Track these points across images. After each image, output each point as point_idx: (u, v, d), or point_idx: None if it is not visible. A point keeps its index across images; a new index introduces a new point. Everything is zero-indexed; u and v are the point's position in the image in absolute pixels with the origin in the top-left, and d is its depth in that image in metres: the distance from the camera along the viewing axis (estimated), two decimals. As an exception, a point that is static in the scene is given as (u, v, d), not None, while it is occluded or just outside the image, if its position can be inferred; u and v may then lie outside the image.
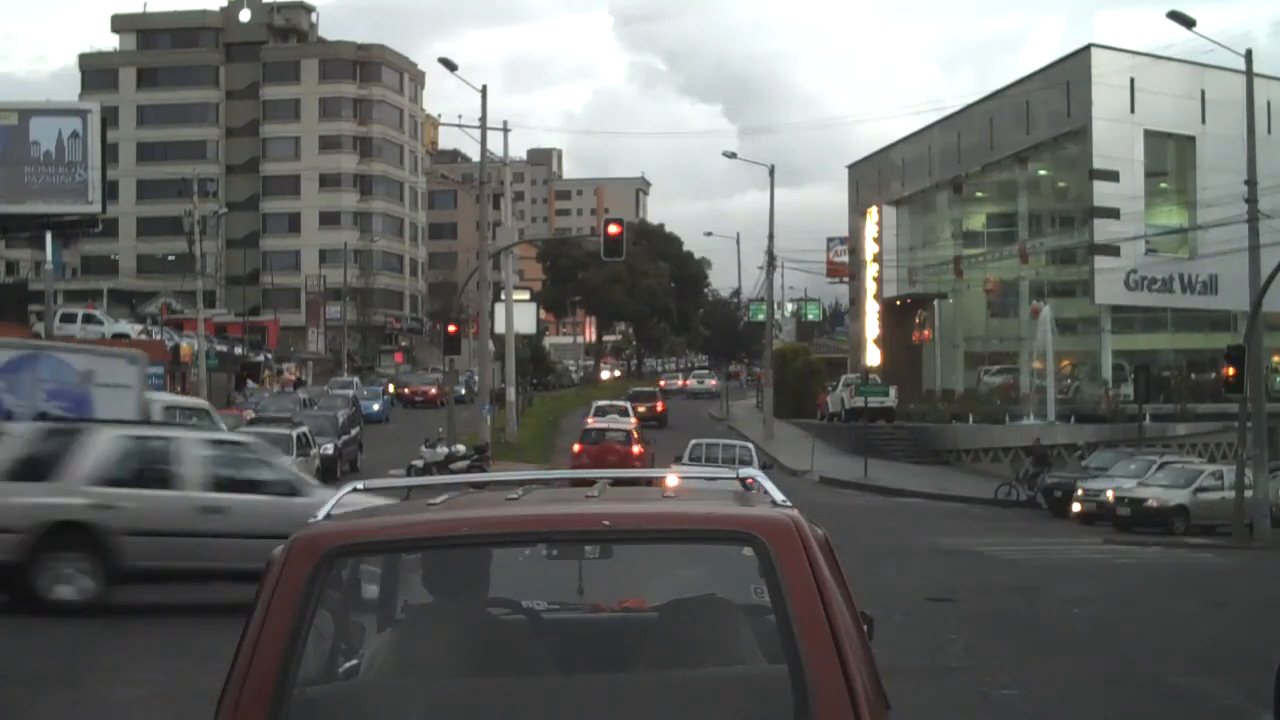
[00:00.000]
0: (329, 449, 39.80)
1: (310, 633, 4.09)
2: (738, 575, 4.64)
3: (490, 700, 4.18)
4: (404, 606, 4.88)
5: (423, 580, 4.90)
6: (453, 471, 40.91)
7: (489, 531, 4.53)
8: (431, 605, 4.84)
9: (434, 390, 75.72)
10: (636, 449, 41.30)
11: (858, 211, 77.72)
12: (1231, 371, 32.18)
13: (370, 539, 4.45)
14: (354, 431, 45.81)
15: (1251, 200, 35.51)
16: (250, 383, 71.93)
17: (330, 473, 39.17)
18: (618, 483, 5.40)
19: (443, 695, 4.24)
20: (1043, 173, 62.71)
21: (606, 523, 4.34)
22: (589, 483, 5.06)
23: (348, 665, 4.66)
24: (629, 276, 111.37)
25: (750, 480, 4.85)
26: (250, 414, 45.44)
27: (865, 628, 4.83)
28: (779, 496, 4.62)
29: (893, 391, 60.63)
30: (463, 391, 72.56)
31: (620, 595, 5.11)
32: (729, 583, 4.73)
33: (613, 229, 41.56)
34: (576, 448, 42.09)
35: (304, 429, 37.22)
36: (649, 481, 6.44)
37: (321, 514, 4.52)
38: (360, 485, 4.95)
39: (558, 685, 4.37)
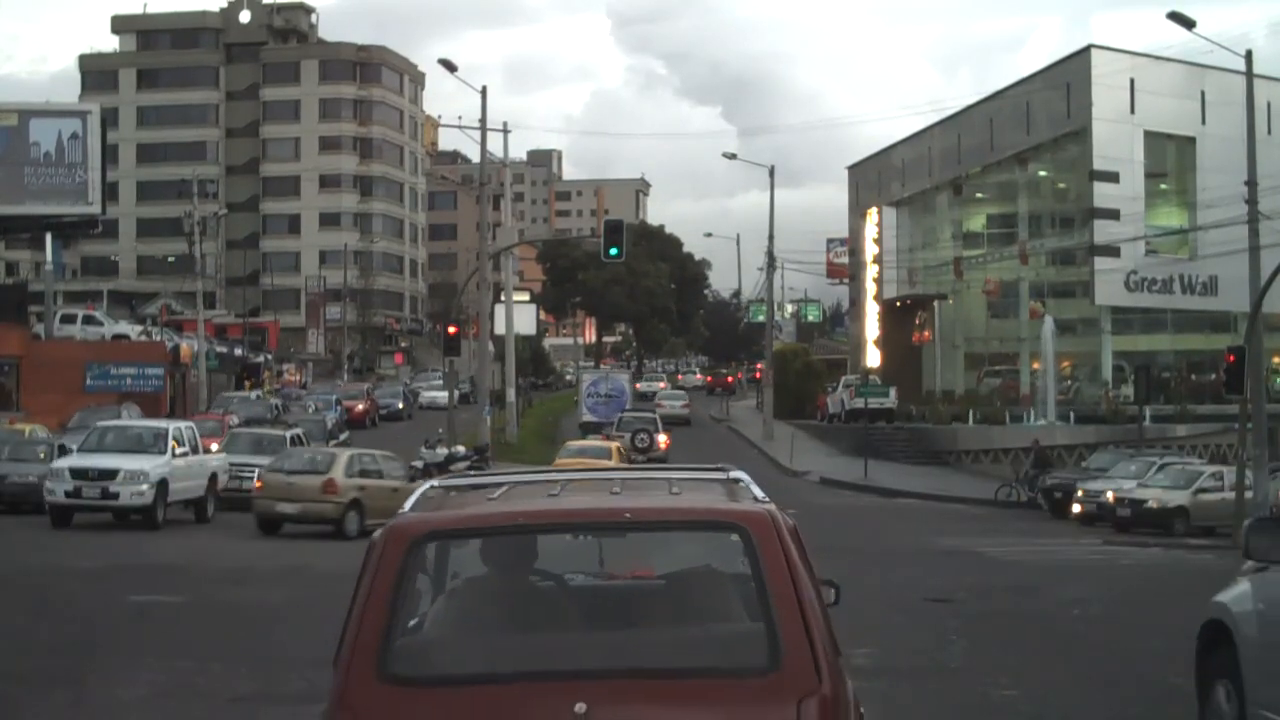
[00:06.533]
0: None
1: (405, 598, 5.36)
2: (727, 554, 5.65)
3: (530, 648, 5.38)
4: (454, 576, 6.00)
5: (480, 556, 5.96)
6: (452, 473, 41.02)
7: (539, 521, 5.77)
8: (482, 576, 5.94)
9: (361, 406, 63.94)
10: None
11: (858, 212, 77.70)
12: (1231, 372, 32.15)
13: (448, 527, 5.78)
14: (343, 437, 45.43)
15: (1252, 201, 35.51)
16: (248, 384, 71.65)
17: None
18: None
19: (493, 645, 5.45)
20: (1043, 174, 62.68)
21: (628, 515, 5.72)
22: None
23: (411, 623, 5.62)
24: (629, 277, 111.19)
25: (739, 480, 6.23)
26: (233, 419, 45.30)
27: (834, 591, 6.43)
28: (760, 494, 5.91)
29: (893, 392, 60.62)
30: (399, 406, 68.66)
31: (634, 567, 6.25)
32: (720, 559, 5.80)
33: (612, 228, 41.65)
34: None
35: (297, 430, 36.87)
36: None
37: (407, 506, 5.88)
38: (436, 483, 6.44)
39: (584, 638, 5.54)
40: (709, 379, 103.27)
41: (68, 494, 26.60)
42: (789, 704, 4.97)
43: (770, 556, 5.25)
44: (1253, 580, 8.10)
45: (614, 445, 42.63)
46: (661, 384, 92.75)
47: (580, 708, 4.97)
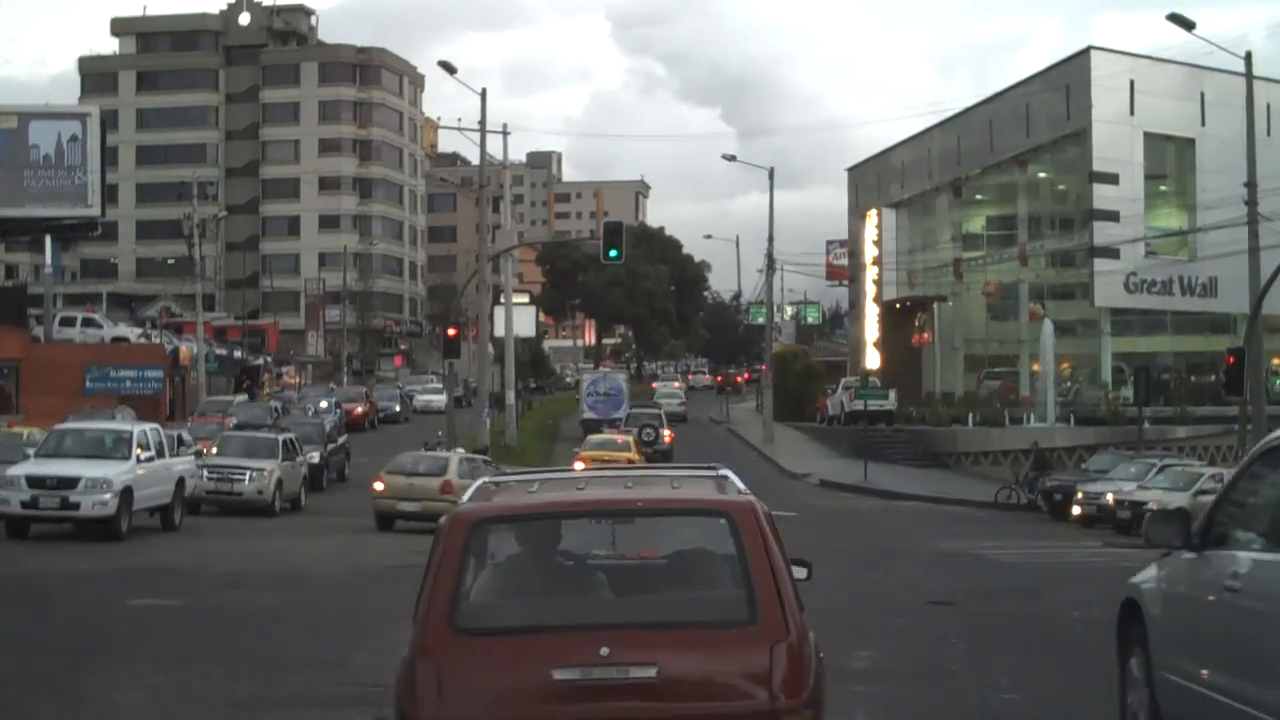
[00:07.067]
0: (314, 457, 38.68)
1: (467, 569, 6.90)
2: (716, 536, 7.04)
3: (563, 607, 6.97)
4: (492, 556, 7.31)
5: (515, 539, 7.45)
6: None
7: (570, 510, 7.52)
8: (518, 554, 7.44)
9: (360, 409, 62.66)
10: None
11: (857, 214, 77.64)
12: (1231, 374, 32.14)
13: (500, 514, 7.41)
14: (341, 440, 44.51)
15: (1251, 202, 35.53)
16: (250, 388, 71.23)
17: (316, 482, 38.16)
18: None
19: (535, 605, 7.05)
20: (1042, 175, 62.61)
21: (639, 504, 7.39)
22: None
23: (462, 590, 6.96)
24: (629, 279, 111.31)
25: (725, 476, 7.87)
26: (232, 421, 45.10)
27: (806, 569, 7.94)
28: (742, 487, 7.50)
29: (892, 394, 60.54)
30: (396, 409, 68.94)
31: (642, 549, 7.82)
32: (710, 541, 7.14)
33: (612, 230, 41.69)
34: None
35: (290, 435, 36.09)
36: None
37: (465, 498, 7.58)
38: (486, 480, 8.20)
39: (604, 600, 7.14)
40: (719, 379, 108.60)
41: (24, 504, 24.31)
42: (764, 649, 6.54)
43: (750, 536, 6.80)
44: (1158, 564, 9.34)
45: (632, 439, 47.81)
46: (677, 383, 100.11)
47: (604, 650, 6.51)
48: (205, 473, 31.70)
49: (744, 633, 6.62)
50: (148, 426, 28.22)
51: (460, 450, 38.27)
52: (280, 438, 34.69)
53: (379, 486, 30.42)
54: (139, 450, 25.88)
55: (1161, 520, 9.46)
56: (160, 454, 26.92)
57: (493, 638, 6.72)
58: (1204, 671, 8.01)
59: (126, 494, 24.81)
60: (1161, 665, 8.67)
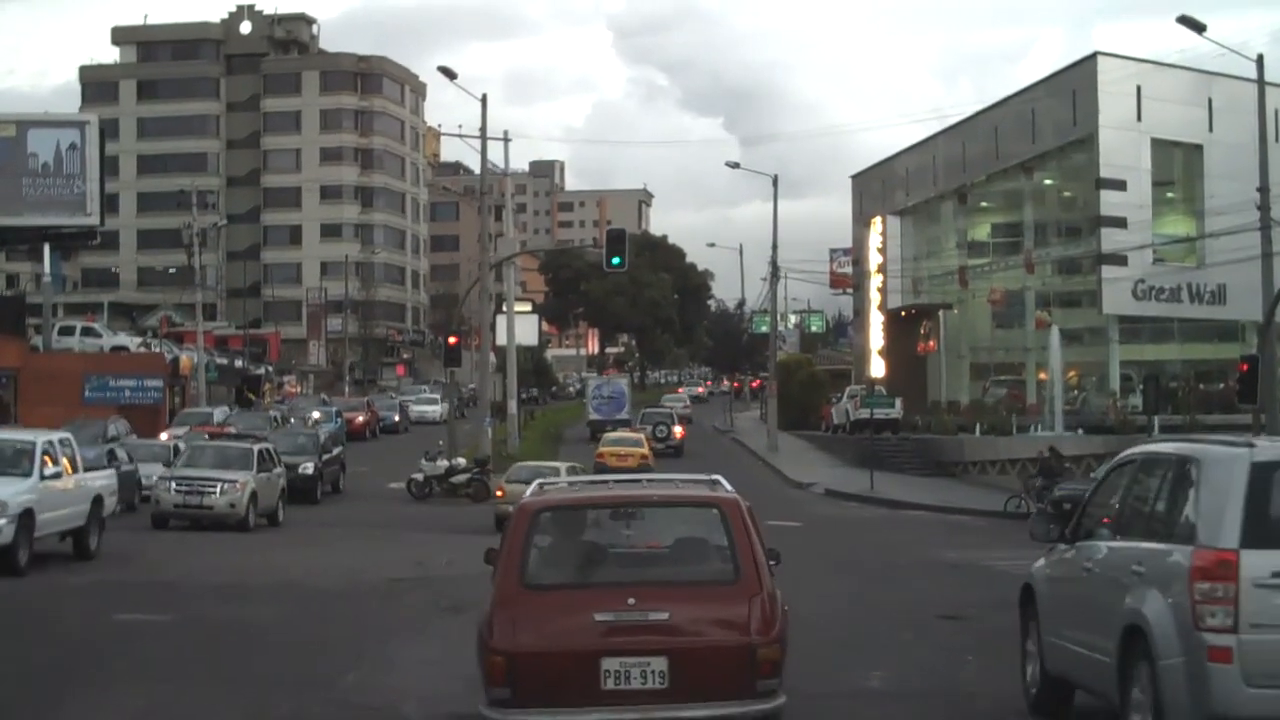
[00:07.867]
0: (308, 468, 37.69)
1: (530, 544, 9.44)
2: (709, 526, 9.62)
3: (597, 572, 9.64)
4: (548, 533, 9.76)
5: (551, 527, 9.80)
6: (453, 484, 40.77)
7: (603, 503, 10.48)
8: (567, 533, 9.94)
9: (361, 418, 63.29)
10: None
11: (861, 222, 77.22)
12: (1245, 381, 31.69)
13: (553, 504, 10.07)
14: (336, 451, 43.30)
15: (1264, 208, 35.06)
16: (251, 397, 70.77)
17: (310, 493, 37.21)
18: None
19: (576, 571, 9.68)
20: (1049, 182, 62.15)
21: (654, 498, 10.41)
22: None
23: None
24: (631, 288, 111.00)
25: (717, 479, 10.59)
26: (232, 429, 44.49)
27: (777, 558, 10.14)
28: (729, 488, 10.07)
29: (898, 403, 59.97)
30: (395, 419, 69.22)
31: (650, 540, 10.28)
32: (705, 527, 9.71)
33: (614, 238, 41.32)
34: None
35: (266, 445, 33.75)
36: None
37: (527, 494, 10.13)
38: (540, 482, 10.75)
39: (626, 570, 9.83)
40: (735, 385, 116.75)
41: None
42: (744, 601, 9.10)
43: (735, 522, 9.37)
44: (1046, 556, 11.76)
45: (644, 436, 52.49)
46: (700, 388, 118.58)
47: (631, 600, 9.05)
48: (174, 485, 30.12)
49: (730, 589, 9.16)
50: (56, 436, 23.84)
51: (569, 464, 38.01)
52: (255, 448, 32.35)
53: (499, 494, 33.51)
54: (47, 463, 22.01)
55: (1041, 521, 12.92)
56: (74, 468, 23.26)
57: (551, 591, 9.33)
58: (1070, 632, 10.54)
59: (26, 518, 20.88)
60: (1047, 632, 11.13)
